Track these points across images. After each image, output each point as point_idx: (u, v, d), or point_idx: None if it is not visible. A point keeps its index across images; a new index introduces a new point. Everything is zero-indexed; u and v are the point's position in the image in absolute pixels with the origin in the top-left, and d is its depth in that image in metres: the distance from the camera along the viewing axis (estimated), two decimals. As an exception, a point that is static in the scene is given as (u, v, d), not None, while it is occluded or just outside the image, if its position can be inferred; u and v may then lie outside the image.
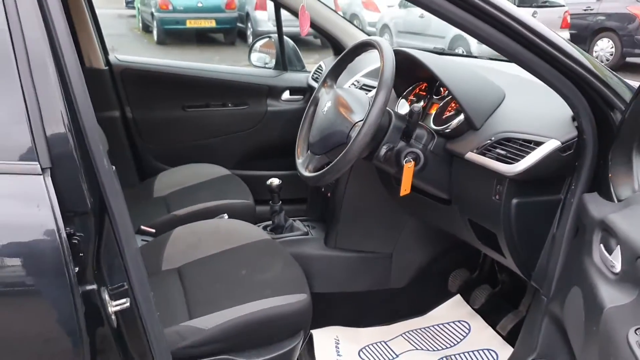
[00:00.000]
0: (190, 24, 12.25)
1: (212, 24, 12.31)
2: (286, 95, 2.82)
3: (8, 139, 1.00)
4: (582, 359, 1.19)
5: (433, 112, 1.72)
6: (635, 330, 0.98)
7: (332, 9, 2.75)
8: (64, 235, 0.99)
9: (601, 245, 1.19)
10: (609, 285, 1.12)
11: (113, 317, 1.12)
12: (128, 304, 1.12)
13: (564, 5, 9.95)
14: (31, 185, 0.99)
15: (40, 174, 0.99)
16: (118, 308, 1.12)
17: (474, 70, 1.74)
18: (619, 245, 1.12)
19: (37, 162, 0.99)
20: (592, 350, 1.13)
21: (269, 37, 3.01)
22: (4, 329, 1.04)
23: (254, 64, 3.02)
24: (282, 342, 1.52)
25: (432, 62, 1.67)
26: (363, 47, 1.69)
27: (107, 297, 1.11)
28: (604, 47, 10.33)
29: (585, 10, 10.77)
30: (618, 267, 1.11)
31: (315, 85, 2.23)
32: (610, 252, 1.15)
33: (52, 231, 0.99)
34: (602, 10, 10.58)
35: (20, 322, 1.05)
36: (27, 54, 1.00)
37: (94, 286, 1.09)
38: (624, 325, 1.00)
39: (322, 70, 2.69)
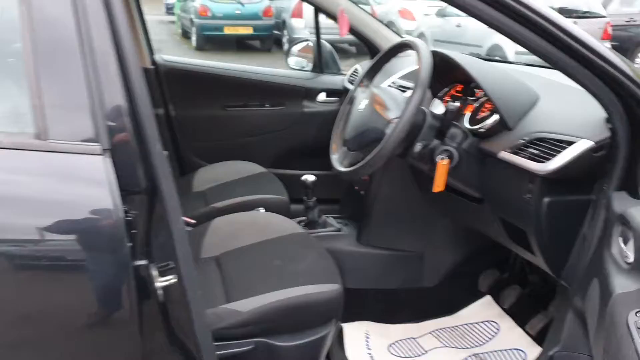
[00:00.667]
0: (228, 31, 12.47)
1: (249, 31, 12.51)
2: (322, 97, 2.88)
3: (74, 123, 1.09)
4: (594, 345, 1.23)
5: (468, 112, 1.76)
6: (636, 312, 1.01)
7: (369, 14, 2.82)
8: (121, 211, 1.07)
9: (620, 238, 1.23)
10: (621, 275, 1.16)
11: (160, 292, 1.20)
12: (175, 279, 1.20)
13: (605, 16, 9.83)
14: (93, 165, 1.07)
15: (101, 154, 1.08)
16: (165, 284, 1.19)
17: (509, 72, 1.78)
18: (633, 237, 1.16)
19: (99, 144, 1.08)
20: (600, 335, 1.16)
21: (307, 41, 3.08)
22: (61, 300, 1.12)
23: (291, 67, 3.10)
24: (315, 329, 1.58)
25: (469, 63, 1.71)
26: (400, 47, 1.75)
27: (155, 272, 1.18)
28: (646, 59, 10.19)
29: (627, 21, 10.63)
30: (631, 258, 1.15)
31: (351, 87, 2.29)
32: (626, 244, 1.20)
33: (110, 207, 1.07)
34: (646, 19, 10.44)
35: (76, 293, 1.13)
36: (93, 49, 1.09)
37: (144, 262, 1.16)
38: (627, 308, 1.04)
39: (358, 73, 2.75)
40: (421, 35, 11.24)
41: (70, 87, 1.09)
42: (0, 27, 1.15)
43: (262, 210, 2.17)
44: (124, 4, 1.16)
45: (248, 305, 1.49)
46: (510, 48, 8.59)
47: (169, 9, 20.72)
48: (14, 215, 1.07)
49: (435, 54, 1.67)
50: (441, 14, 10.83)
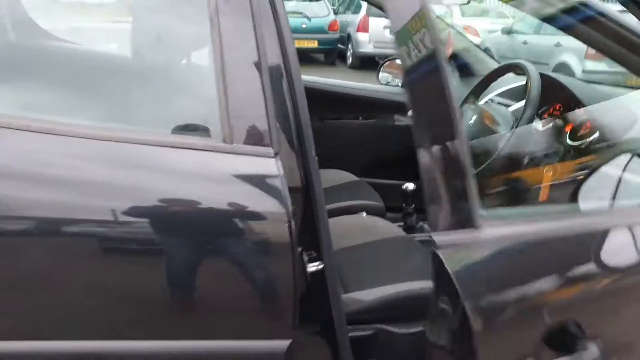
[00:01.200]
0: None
1: (314, 44, 12.80)
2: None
3: (253, 130, 1.30)
4: None
5: (568, 130, 1.91)
6: None
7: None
8: (290, 205, 1.27)
9: None
10: None
11: (308, 277, 1.39)
12: (322, 266, 1.39)
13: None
14: (268, 165, 1.28)
15: (274, 157, 1.28)
16: (314, 269, 1.39)
17: (609, 94, 1.92)
18: None
19: (271, 148, 1.28)
20: None
21: (394, 58, 3.26)
22: (236, 284, 1.32)
23: (381, 82, 3.28)
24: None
25: (573, 85, 1.87)
26: (509, 68, 1.92)
27: (306, 259, 1.38)
28: None
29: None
30: None
31: None
32: None
33: (282, 202, 1.27)
34: None
35: (252, 277, 1.33)
36: (268, 67, 1.30)
37: (300, 249, 1.36)
38: None
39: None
40: (487, 51, 11.29)
41: (251, 99, 1.30)
42: (196, 55, 1.39)
43: (364, 214, 2.35)
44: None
45: (370, 295, 1.67)
46: (577, 66, 8.58)
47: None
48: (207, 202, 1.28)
49: (541, 75, 1.83)
50: (506, 30, 10.86)
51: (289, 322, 1.37)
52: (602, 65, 7.24)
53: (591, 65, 8.12)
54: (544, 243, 1.25)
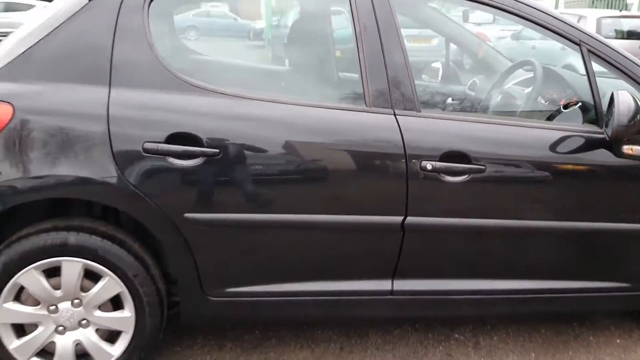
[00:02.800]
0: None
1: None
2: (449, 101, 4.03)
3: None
4: None
5: (562, 103, 2.85)
6: None
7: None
8: None
9: None
10: None
11: None
12: None
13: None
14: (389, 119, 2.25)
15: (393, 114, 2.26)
16: None
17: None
18: None
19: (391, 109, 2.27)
20: None
21: (437, 61, 4.22)
22: None
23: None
24: None
25: (567, 76, 2.82)
26: (523, 63, 2.88)
27: None
28: None
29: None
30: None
31: (472, 94, 3.34)
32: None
33: None
34: None
35: None
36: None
37: None
38: None
39: (476, 84, 3.87)
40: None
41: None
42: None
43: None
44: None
45: None
46: (581, 66, 9.50)
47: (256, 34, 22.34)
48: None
49: (544, 69, 2.79)
50: (516, 37, 11.83)
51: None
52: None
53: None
54: None
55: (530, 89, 2.79)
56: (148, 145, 2.06)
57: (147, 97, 2.09)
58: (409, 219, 2.24)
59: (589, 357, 2.61)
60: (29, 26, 2.32)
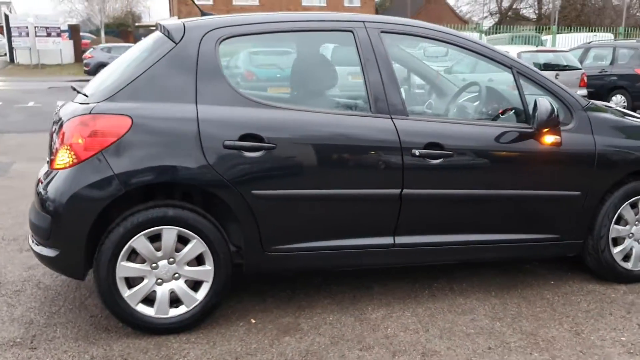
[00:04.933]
0: (270, 92, 14.81)
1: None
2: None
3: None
4: None
5: (500, 112, 3.90)
6: None
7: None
8: None
9: None
10: None
11: None
12: None
13: (581, 69, 12.22)
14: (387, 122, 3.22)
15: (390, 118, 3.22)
16: None
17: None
18: None
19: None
20: None
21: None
22: None
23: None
24: None
25: (504, 91, 3.88)
26: (470, 84, 3.93)
27: None
28: (618, 101, 12.53)
29: (600, 72, 13.04)
30: None
31: None
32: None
33: None
34: (615, 71, 12.84)
35: None
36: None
37: None
38: None
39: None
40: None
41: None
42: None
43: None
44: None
45: None
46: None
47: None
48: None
49: (486, 87, 3.84)
50: (448, 70, 13.21)
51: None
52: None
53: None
54: None
55: (477, 102, 3.83)
56: (227, 143, 2.94)
57: (223, 110, 2.99)
58: (405, 190, 3.19)
59: (532, 292, 3.60)
60: (126, 61, 3.19)
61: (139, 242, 2.92)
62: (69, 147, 2.89)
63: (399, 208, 3.22)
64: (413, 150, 3.16)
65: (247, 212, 3.02)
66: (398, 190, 3.19)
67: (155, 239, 2.96)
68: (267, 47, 3.58)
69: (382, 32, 3.30)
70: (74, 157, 2.87)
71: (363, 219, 3.22)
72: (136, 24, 49.29)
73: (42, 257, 3.03)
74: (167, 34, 3.12)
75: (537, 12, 51.53)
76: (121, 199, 2.91)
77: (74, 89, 3.51)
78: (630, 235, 3.67)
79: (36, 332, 3.06)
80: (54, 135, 3.12)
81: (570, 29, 26.57)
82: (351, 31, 3.27)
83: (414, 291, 3.59)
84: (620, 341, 3.01)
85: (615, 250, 3.64)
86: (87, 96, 3.09)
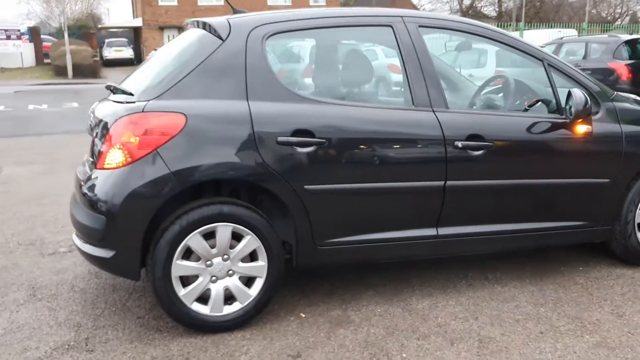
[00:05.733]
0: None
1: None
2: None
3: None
4: None
5: (527, 103, 3.99)
6: None
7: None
8: None
9: None
10: None
11: None
12: None
13: (557, 63, 12.50)
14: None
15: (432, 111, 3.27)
16: None
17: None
18: None
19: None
20: None
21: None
22: None
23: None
24: None
25: (532, 85, 3.98)
26: (496, 76, 4.02)
27: None
28: (592, 95, 12.87)
29: (574, 66, 13.37)
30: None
31: None
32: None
33: None
34: (588, 66, 13.21)
35: None
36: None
37: None
38: None
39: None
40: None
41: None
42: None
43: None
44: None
45: None
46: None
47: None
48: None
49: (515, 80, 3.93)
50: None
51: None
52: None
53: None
54: None
55: (505, 94, 3.90)
56: (280, 139, 2.95)
57: (274, 106, 2.99)
58: (448, 182, 3.25)
59: (565, 278, 3.70)
60: (168, 58, 3.17)
61: (194, 239, 2.91)
62: (121, 147, 2.86)
63: (442, 199, 3.27)
64: (456, 142, 3.22)
65: (300, 207, 3.04)
66: (442, 182, 3.24)
67: (208, 236, 2.95)
68: (317, 42, 3.58)
69: (420, 26, 3.36)
70: (127, 156, 2.84)
71: (410, 211, 3.27)
72: (99, 26, 48.42)
73: (94, 258, 2.98)
74: (213, 31, 3.11)
75: (497, 9, 52.60)
76: (174, 197, 2.89)
77: (110, 88, 3.47)
78: (654, 220, 3.81)
79: (88, 335, 3.02)
80: (98, 135, 3.08)
81: (532, 26, 27.23)
82: (390, 26, 3.31)
83: (451, 281, 3.66)
84: (662, 321, 3.13)
85: (641, 235, 3.78)
86: (132, 94, 3.06)
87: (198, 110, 2.91)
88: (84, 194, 3.02)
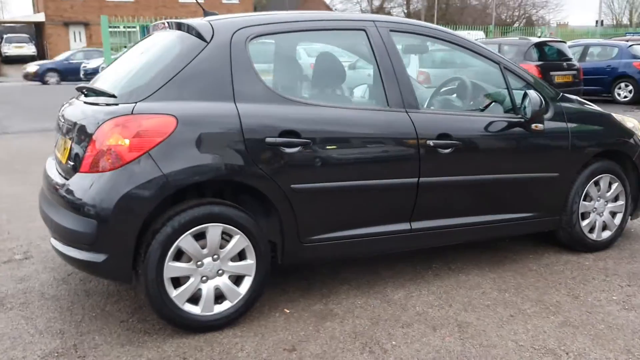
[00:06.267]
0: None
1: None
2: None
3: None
4: None
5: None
6: None
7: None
8: None
9: None
10: None
11: None
12: None
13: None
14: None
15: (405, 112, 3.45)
16: None
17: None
18: None
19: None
20: None
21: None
22: None
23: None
24: None
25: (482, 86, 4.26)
26: (453, 79, 4.27)
27: None
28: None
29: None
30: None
31: None
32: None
33: None
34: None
35: None
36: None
37: None
38: None
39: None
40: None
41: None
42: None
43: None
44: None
45: None
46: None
47: (87, 74, 22.09)
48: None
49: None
50: (352, 67, 13.73)
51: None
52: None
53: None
54: None
55: (461, 95, 4.16)
56: (269, 140, 3.03)
57: (261, 107, 3.06)
58: (422, 179, 3.45)
59: (520, 265, 4.00)
60: (147, 60, 3.17)
61: (186, 241, 2.93)
62: (109, 149, 2.83)
63: (415, 195, 3.46)
64: (427, 141, 3.42)
65: (287, 206, 3.13)
66: (415, 179, 3.43)
67: (198, 237, 2.98)
68: (296, 45, 3.66)
69: (391, 30, 3.53)
70: (117, 159, 2.82)
71: (386, 207, 3.44)
72: (-3, 21, 45.60)
73: (82, 263, 2.94)
74: (196, 33, 3.13)
75: (405, 11, 54.30)
76: (166, 199, 2.90)
77: (82, 90, 3.41)
78: (594, 209, 4.19)
79: (75, 342, 2.97)
80: (75, 139, 3.03)
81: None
82: (364, 30, 3.47)
83: (419, 272, 3.86)
84: (613, 300, 3.47)
85: (584, 223, 4.15)
86: (114, 96, 3.03)
87: (188, 112, 2.93)
88: (65, 197, 2.96)
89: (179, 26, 3.27)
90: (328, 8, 50.10)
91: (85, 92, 3.37)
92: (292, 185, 3.11)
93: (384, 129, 3.37)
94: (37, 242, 4.48)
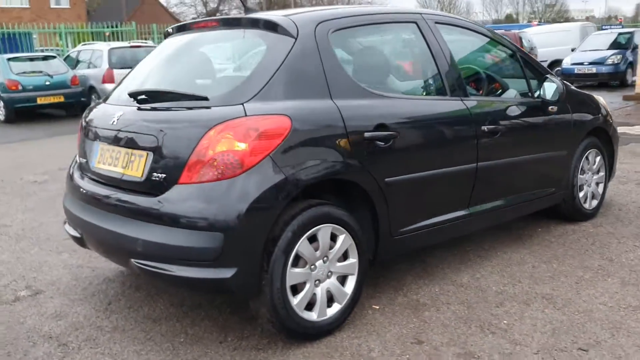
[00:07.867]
0: (40, 101, 13.32)
1: (61, 99, 13.53)
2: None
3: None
4: None
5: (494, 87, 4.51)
6: None
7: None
8: None
9: None
10: None
11: None
12: None
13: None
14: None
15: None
16: None
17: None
18: None
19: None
20: None
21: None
22: None
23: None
24: None
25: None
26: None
27: None
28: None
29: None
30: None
31: None
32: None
33: None
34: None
35: None
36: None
37: None
38: None
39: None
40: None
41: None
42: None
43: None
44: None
45: None
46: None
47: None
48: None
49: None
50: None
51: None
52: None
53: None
54: None
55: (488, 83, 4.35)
56: (367, 135, 2.98)
57: (355, 103, 3.00)
58: (479, 164, 3.60)
59: (537, 239, 4.31)
60: (218, 58, 2.97)
61: (304, 245, 2.80)
62: (223, 156, 2.62)
63: (474, 179, 3.61)
64: (482, 127, 3.58)
65: (382, 200, 3.10)
66: (474, 164, 3.57)
67: (310, 240, 2.85)
68: (366, 39, 3.60)
69: (436, 22, 3.63)
70: (236, 165, 2.61)
71: (456, 193, 3.54)
72: None
73: (204, 282, 2.66)
74: (281, 29, 2.98)
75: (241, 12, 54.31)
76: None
77: (133, 95, 3.06)
78: (585, 181, 4.64)
79: (193, 369, 2.69)
80: (159, 150, 2.76)
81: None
82: (415, 22, 3.53)
83: (462, 256, 4.01)
84: (643, 258, 3.89)
85: (580, 195, 4.58)
86: (206, 99, 2.80)
87: (299, 111, 2.79)
88: (164, 213, 2.68)
89: (257, 23, 3.08)
90: (167, 10, 48.64)
91: (144, 98, 3.03)
92: (386, 179, 3.09)
93: (450, 118, 3.47)
94: (31, 275, 3.94)
